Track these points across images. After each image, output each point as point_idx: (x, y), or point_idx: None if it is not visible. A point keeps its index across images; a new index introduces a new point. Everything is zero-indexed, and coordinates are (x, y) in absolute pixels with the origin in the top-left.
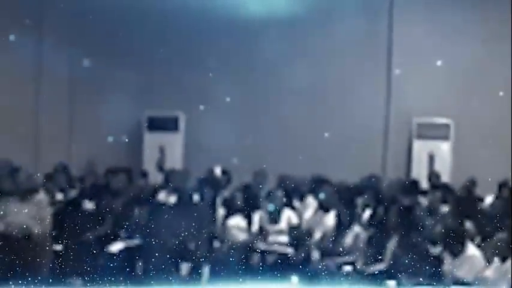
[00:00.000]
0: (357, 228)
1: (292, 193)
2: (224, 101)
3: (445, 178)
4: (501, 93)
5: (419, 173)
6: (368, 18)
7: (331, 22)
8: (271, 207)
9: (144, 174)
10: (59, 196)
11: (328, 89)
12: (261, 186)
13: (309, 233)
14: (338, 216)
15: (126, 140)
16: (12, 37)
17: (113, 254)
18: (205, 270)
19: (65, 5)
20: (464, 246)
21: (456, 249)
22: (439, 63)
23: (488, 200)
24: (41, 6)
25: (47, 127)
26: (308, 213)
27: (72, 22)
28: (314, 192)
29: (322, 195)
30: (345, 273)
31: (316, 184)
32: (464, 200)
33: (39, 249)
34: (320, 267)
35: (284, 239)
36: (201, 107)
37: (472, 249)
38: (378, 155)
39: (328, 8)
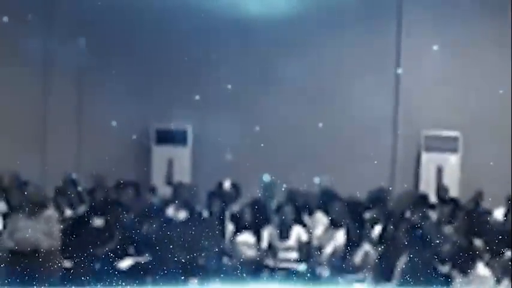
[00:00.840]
0: (366, 246)
1: (302, 208)
2: (230, 108)
3: (453, 191)
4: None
5: (428, 186)
6: (375, 29)
7: (337, 34)
8: (266, 177)
9: (153, 189)
10: (68, 211)
11: (335, 100)
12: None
13: (319, 250)
14: (348, 232)
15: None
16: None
17: (122, 271)
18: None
19: (74, 14)
20: (473, 264)
21: (465, 267)
22: (435, 47)
23: (497, 213)
24: (49, 15)
25: (55, 139)
26: (318, 229)
27: (82, 31)
28: (323, 206)
29: (332, 211)
30: None
31: (325, 198)
32: (473, 216)
33: (48, 265)
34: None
35: (294, 255)
36: (197, 97)
37: (481, 268)
38: (386, 168)
39: (335, 16)
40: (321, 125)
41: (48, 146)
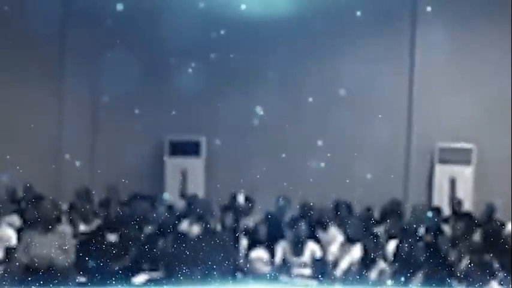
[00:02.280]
0: (381, 262)
1: (316, 223)
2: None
3: (467, 203)
4: None
5: (441, 198)
6: (388, 40)
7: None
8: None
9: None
10: (82, 226)
11: (347, 112)
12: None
13: (334, 266)
14: (363, 248)
15: None
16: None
17: (137, 286)
18: None
19: (88, 32)
20: (488, 282)
21: (480, 285)
22: (428, 8)
23: (510, 226)
24: (63, 32)
25: (69, 151)
26: (332, 245)
27: (95, 49)
28: (337, 220)
29: (346, 226)
30: None
31: (340, 213)
32: (487, 230)
33: (62, 281)
34: None
35: (308, 271)
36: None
37: (495, 286)
38: (399, 180)
39: (345, 27)
40: (331, 136)
41: (62, 160)
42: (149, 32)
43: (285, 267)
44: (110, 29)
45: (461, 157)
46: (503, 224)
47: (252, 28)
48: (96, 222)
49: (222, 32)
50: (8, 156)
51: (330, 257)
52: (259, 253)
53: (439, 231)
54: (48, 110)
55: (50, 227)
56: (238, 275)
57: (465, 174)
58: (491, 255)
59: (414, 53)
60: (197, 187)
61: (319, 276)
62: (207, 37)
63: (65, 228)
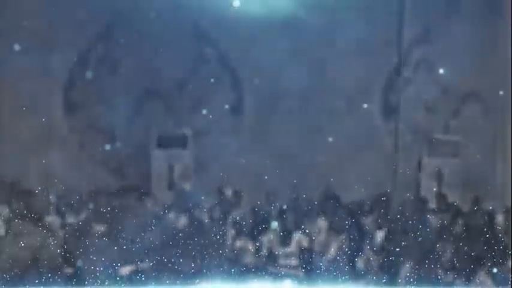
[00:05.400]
0: (368, 252)
1: (303, 214)
2: (227, 111)
3: (454, 195)
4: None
5: (429, 189)
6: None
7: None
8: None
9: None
10: (70, 218)
11: (336, 104)
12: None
13: (320, 256)
14: (349, 239)
15: None
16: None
17: (124, 277)
18: None
19: (75, 25)
20: (475, 272)
21: (467, 276)
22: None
23: (498, 218)
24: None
25: (58, 143)
26: (319, 235)
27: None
28: (324, 211)
29: (333, 218)
30: None
31: (327, 202)
32: (473, 222)
33: (49, 272)
34: None
35: (294, 261)
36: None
37: (483, 276)
38: (387, 172)
39: (335, 17)
40: (320, 128)
41: (50, 151)
42: (141, 26)
43: (271, 258)
44: (98, 24)
45: (448, 149)
46: (489, 215)
47: (244, 24)
48: (84, 214)
49: (215, 28)
50: None
51: (317, 248)
52: (246, 244)
53: (425, 223)
54: (37, 103)
55: (37, 218)
56: (225, 266)
57: (452, 166)
58: (477, 246)
59: (402, 43)
60: (184, 180)
61: (306, 266)
62: (200, 33)
63: (53, 219)
